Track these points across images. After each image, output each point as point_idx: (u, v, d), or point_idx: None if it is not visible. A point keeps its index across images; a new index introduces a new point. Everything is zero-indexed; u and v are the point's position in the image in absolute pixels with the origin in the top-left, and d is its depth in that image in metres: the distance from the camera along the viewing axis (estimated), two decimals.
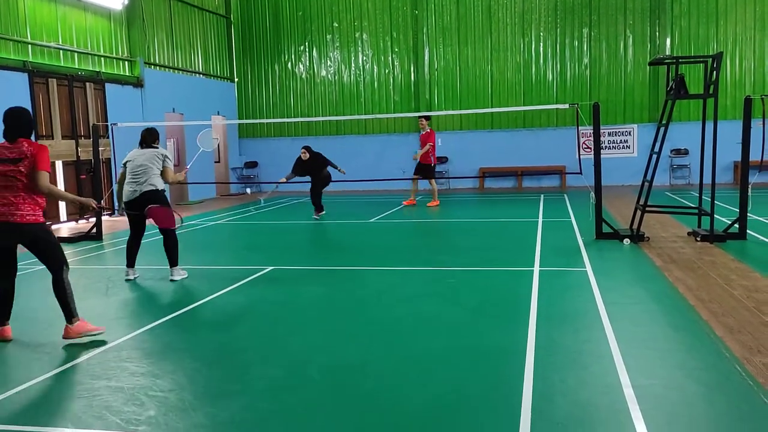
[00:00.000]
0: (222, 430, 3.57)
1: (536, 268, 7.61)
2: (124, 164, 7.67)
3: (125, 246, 7.77)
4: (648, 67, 19.21)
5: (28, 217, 5.14)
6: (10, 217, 5.10)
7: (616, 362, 4.38)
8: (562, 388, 3.97)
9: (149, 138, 7.73)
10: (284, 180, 14.02)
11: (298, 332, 5.47)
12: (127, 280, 7.58)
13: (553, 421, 3.51)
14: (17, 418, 3.79)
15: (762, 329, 5.01)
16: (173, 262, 7.58)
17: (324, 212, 13.64)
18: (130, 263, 7.69)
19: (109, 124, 13.14)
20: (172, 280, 7.47)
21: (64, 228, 13.50)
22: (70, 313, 5.23)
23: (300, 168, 13.75)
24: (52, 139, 13.77)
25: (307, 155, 13.65)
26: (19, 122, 5.21)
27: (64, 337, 5.20)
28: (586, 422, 3.51)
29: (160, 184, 7.57)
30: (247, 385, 4.24)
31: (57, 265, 5.30)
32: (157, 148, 7.72)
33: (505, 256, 8.77)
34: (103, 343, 5.17)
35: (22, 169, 5.09)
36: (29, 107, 13.15)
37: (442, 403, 3.81)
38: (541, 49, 20.06)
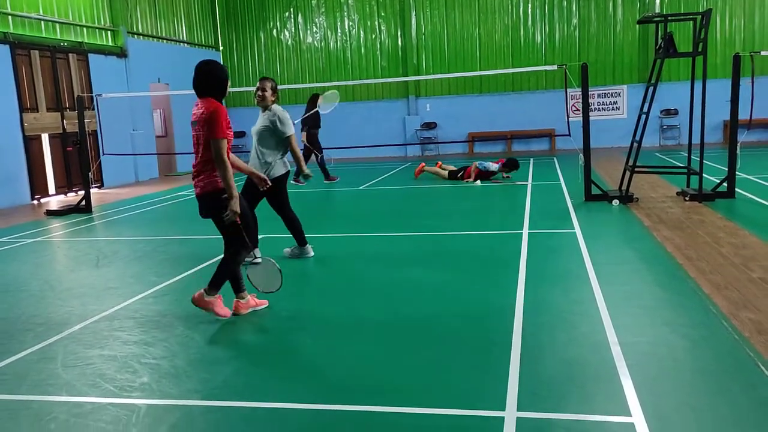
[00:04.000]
0: (215, 394, 3.60)
1: (525, 231, 7.64)
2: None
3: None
4: (637, 26, 19.07)
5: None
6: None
7: (604, 321, 4.43)
8: (551, 348, 4.02)
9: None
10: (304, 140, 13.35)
11: (288, 299, 5.50)
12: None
13: (541, 380, 3.56)
14: (11, 388, 3.81)
15: (749, 285, 5.07)
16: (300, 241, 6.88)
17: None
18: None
19: (93, 95, 12.98)
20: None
21: (53, 201, 13.42)
22: (215, 287, 4.87)
23: (317, 117, 12.96)
24: (37, 111, 13.60)
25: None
26: (207, 79, 4.64)
27: (236, 312, 4.95)
28: (574, 380, 3.56)
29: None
30: (240, 350, 4.27)
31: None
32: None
33: (494, 219, 8.81)
34: (96, 312, 5.19)
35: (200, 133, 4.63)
36: (12, 79, 12.96)
37: (432, 365, 3.86)
38: (529, 10, 19.86)
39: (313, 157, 13.54)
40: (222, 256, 5.00)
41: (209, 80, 4.63)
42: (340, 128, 20.70)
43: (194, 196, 4.84)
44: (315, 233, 8.28)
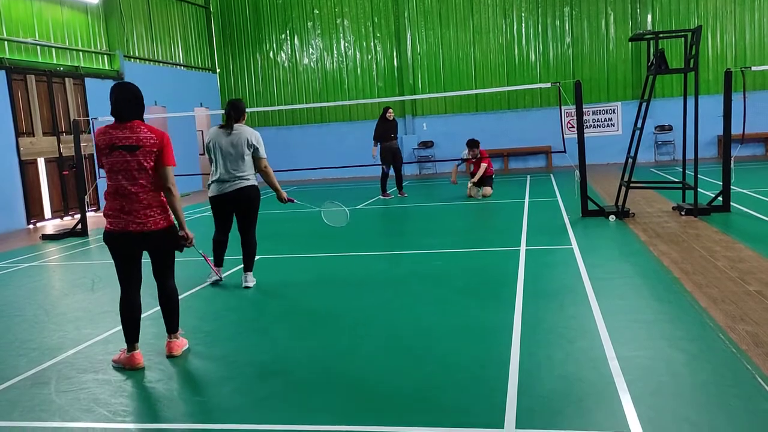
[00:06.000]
0: (211, 417, 3.56)
1: (522, 248, 7.63)
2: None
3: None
4: (629, 44, 19.23)
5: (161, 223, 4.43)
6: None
7: (602, 336, 4.41)
8: (549, 364, 4.00)
9: (235, 113, 6.46)
10: (375, 151, 14.08)
11: (286, 319, 5.48)
12: (214, 283, 6.78)
13: (539, 396, 3.53)
14: (4, 414, 3.77)
15: (745, 298, 5.06)
16: (249, 266, 6.67)
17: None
18: (219, 262, 6.84)
19: (90, 119, 13.02)
20: (246, 287, 6.57)
21: (49, 225, 13.40)
22: (176, 325, 4.70)
23: (383, 130, 13.77)
24: (33, 136, 13.62)
25: (392, 115, 13.80)
26: (137, 101, 4.39)
27: (170, 354, 4.56)
28: (573, 395, 3.53)
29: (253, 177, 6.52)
30: (236, 372, 4.23)
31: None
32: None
33: (491, 236, 8.80)
34: (91, 336, 5.15)
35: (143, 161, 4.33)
36: (8, 104, 12.99)
37: (429, 383, 3.83)
38: (523, 29, 20.03)
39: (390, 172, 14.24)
40: (163, 293, 4.63)
41: (139, 103, 4.40)
42: (336, 148, 20.80)
43: (162, 228, 4.38)
44: (312, 253, 8.27)
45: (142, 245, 4.41)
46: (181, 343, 4.69)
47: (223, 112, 6.64)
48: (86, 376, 4.30)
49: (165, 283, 4.61)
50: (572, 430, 3.14)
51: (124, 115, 4.34)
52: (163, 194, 4.44)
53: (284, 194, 6.64)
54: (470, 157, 13.18)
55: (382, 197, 13.96)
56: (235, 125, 6.45)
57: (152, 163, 4.35)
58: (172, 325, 4.66)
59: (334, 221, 7.33)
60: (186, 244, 4.57)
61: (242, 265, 6.74)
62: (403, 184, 14.55)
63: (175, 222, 4.53)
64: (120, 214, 4.32)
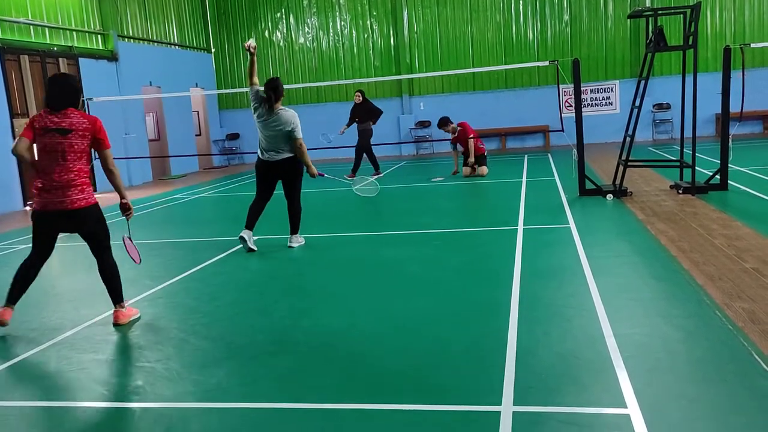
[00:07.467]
0: (209, 396, 3.58)
1: (520, 227, 7.64)
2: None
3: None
4: (628, 21, 19.11)
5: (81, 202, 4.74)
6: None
7: (599, 314, 4.43)
8: (546, 341, 4.02)
9: (275, 95, 7.20)
10: (343, 130, 14.85)
11: (284, 299, 5.49)
12: (242, 241, 7.16)
13: (537, 373, 3.55)
14: (4, 394, 3.78)
15: (742, 276, 5.07)
16: (294, 229, 7.45)
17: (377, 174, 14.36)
18: (250, 225, 7.25)
19: (84, 99, 12.93)
20: (290, 247, 7.35)
21: None
22: (120, 296, 4.99)
23: (353, 114, 14.58)
24: (28, 117, 13.54)
25: (360, 98, 14.46)
26: (71, 90, 4.76)
27: (116, 323, 4.89)
28: (570, 373, 3.55)
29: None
30: (234, 352, 4.25)
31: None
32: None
33: (489, 216, 8.80)
34: (90, 317, 5.16)
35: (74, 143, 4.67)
36: (1, 85, 12.90)
37: (427, 361, 3.85)
38: (521, 7, 19.87)
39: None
40: (101, 269, 4.97)
41: (73, 92, 4.78)
42: (333, 128, 20.69)
43: (80, 207, 4.69)
44: (308, 233, 8.26)
45: (62, 224, 4.78)
46: (128, 313, 4.97)
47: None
48: (86, 356, 4.31)
49: (102, 259, 4.96)
50: (570, 406, 3.16)
51: (57, 105, 4.70)
52: (86, 176, 4.79)
53: (314, 169, 7.35)
54: (451, 135, 13.21)
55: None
56: (277, 108, 7.15)
57: (84, 146, 4.73)
58: (115, 296, 4.94)
59: (366, 192, 8.48)
60: (127, 216, 5.05)
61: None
62: (401, 164, 14.57)
63: (102, 203, 5.01)
64: (42, 193, 4.69)
